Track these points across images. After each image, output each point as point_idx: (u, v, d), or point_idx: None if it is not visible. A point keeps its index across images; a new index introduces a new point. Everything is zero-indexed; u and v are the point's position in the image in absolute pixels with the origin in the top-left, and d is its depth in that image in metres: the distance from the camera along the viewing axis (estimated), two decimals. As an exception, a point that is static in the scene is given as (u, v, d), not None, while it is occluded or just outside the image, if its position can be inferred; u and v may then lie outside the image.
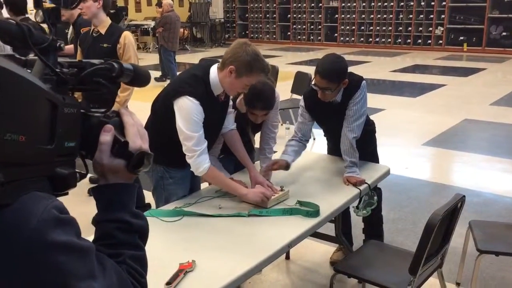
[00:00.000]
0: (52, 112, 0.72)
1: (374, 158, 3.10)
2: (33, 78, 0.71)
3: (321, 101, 2.77)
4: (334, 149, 2.98)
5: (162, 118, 2.45)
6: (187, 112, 2.30)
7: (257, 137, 3.02)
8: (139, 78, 0.93)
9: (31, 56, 0.78)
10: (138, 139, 0.87)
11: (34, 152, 0.70)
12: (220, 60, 2.41)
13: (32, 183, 0.71)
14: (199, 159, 2.35)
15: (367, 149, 3.03)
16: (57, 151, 0.74)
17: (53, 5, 0.83)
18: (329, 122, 2.98)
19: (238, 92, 2.50)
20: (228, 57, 2.32)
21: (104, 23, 3.62)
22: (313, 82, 2.74)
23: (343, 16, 15.70)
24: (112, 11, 13.95)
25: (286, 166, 2.74)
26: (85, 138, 0.82)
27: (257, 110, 2.61)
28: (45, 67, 0.77)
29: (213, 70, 2.39)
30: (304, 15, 16.55)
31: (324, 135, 3.16)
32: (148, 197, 2.69)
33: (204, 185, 2.87)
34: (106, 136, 0.84)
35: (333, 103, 2.79)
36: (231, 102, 2.64)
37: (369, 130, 3.02)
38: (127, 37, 3.63)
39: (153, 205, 2.55)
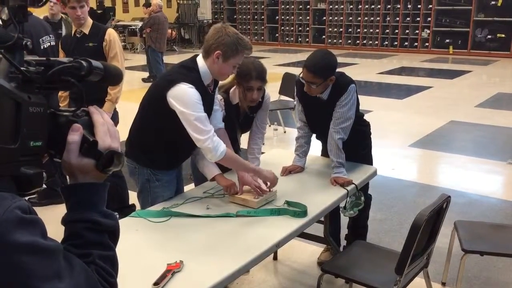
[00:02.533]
0: (16, 111, 0.71)
1: (369, 160, 3.10)
2: None
3: (309, 97, 2.80)
4: (326, 150, 2.97)
5: (151, 117, 2.43)
6: (187, 96, 2.27)
7: (243, 139, 3.02)
8: (110, 76, 0.92)
9: None
10: (107, 138, 0.86)
11: None
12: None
13: None
14: (216, 140, 2.31)
15: (361, 150, 3.04)
16: (21, 151, 0.73)
17: (20, 3, 0.81)
18: (313, 117, 2.99)
19: (227, 75, 2.48)
20: (211, 43, 2.33)
21: (87, 23, 3.63)
22: (300, 75, 2.76)
23: (330, 18, 15.78)
24: (99, 12, 13.85)
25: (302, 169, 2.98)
26: (53, 138, 0.80)
27: (253, 80, 2.59)
28: (11, 66, 0.75)
29: (200, 60, 2.39)
30: (292, 17, 16.61)
31: (317, 138, 3.17)
32: (133, 199, 2.67)
33: (188, 187, 2.87)
34: (74, 136, 0.83)
35: (319, 99, 2.81)
36: (217, 101, 2.63)
37: (362, 130, 3.03)
38: (112, 34, 3.66)
39: (138, 208, 2.54)
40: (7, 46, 0.76)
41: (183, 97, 2.27)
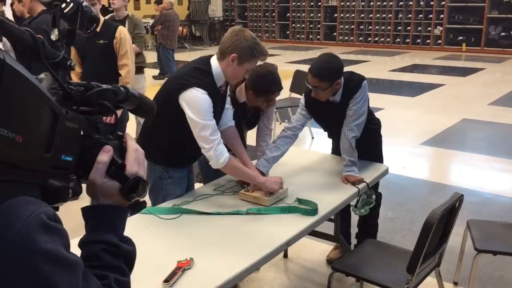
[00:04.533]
0: (53, 122, 0.73)
1: (379, 159, 3.08)
2: (39, 84, 0.71)
3: (320, 104, 2.78)
4: (337, 148, 2.94)
5: (163, 116, 2.42)
6: (198, 103, 2.27)
7: (251, 135, 3.01)
8: (144, 107, 0.94)
9: (41, 75, 0.80)
10: (136, 165, 0.87)
11: (29, 156, 0.69)
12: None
13: (23, 188, 0.70)
14: (219, 149, 2.32)
15: (372, 149, 3.03)
16: (52, 162, 0.74)
17: (69, 27, 0.87)
18: (328, 121, 2.98)
19: (240, 79, 2.51)
20: (227, 46, 2.33)
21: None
22: (307, 81, 2.74)
23: (342, 15, 15.70)
24: (110, 9, 13.93)
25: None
26: (83, 157, 0.82)
27: (275, 94, 2.66)
28: (53, 82, 0.78)
29: (214, 61, 2.39)
30: (303, 14, 16.55)
31: (328, 137, 3.15)
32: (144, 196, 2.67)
33: (197, 185, 2.87)
34: (104, 156, 0.84)
35: (333, 103, 2.79)
36: (228, 98, 2.63)
37: (373, 129, 3.01)
38: (122, 32, 3.67)
39: (150, 205, 2.54)
40: (53, 63, 0.79)
41: (194, 103, 2.27)
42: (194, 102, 2.27)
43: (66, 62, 0.82)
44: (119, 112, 3.53)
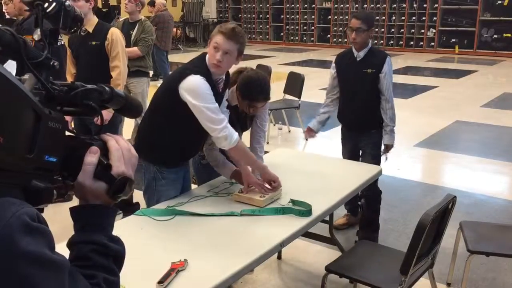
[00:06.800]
0: (36, 122, 0.72)
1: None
2: (20, 84, 0.70)
3: (346, 59, 3.36)
4: (348, 151, 3.44)
5: (162, 112, 2.46)
6: (198, 88, 2.31)
7: (245, 138, 3.01)
8: (130, 107, 0.93)
9: (25, 76, 0.79)
10: (122, 164, 0.86)
11: (10, 157, 0.68)
12: None
13: (4, 189, 0.69)
14: (229, 128, 2.36)
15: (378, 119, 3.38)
16: (35, 163, 0.73)
17: (53, 27, 0.85)
18: (348, 78, 3.38)
19: (212, 57, 2.44)
20: None
21: (91, 21, 3.64)
22: (348, 25, 3.33)
23: (336, 17, 15.73)
24: (104, 10, 13.86)
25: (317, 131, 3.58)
26: (68, 159, 0.81)
27: (260, 102, 2.64)
28: (36, 82, 0.77)
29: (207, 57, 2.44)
30: (297, 16, 16.58)
31: (342, 106, 3.47)
32: (139, 197, 2.67)
33: (193, 186, 2.87)
34: (92, 158, 0.83)
35: (356, 59, 3.28)
36: (226, 103, 2.63)
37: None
38: (115, 33, 3.67)
39: (144, 206, 2.54)
40: (35, 63, 0.79)
41: (195, 89, 2.31)
42: (194, 88, 2.31)
43: (49, 62, 0.81)
44: (110, 114, 3.51)
